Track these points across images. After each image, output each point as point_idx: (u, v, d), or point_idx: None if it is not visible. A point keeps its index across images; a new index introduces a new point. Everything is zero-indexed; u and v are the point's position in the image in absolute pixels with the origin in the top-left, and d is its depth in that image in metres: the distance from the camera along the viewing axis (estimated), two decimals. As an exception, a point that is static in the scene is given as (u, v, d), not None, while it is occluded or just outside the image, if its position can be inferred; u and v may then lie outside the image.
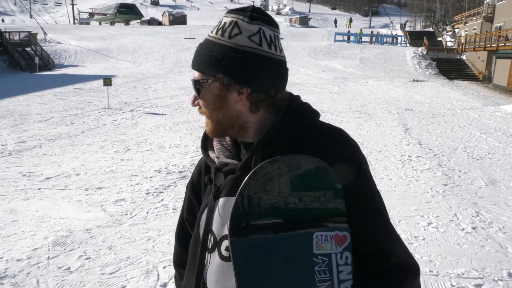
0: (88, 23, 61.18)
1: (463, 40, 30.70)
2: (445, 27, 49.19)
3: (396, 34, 41.64)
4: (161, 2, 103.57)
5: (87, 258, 3.62)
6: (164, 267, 3.45)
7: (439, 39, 38.63)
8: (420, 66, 26.99)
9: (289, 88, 0.99)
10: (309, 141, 0.94)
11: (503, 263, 3.53)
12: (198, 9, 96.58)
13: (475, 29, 31.26)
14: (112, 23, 63.79)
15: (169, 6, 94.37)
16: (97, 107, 12.46)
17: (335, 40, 36.40)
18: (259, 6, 1.11)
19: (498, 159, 7.28)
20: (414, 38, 36.40)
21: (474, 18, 33.20)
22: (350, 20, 60.60)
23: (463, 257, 3.64)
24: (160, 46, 32.18)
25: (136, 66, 26.53)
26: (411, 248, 3.65)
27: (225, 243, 0.93)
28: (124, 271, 3.41)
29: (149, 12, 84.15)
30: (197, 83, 0.96)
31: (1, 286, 3.18)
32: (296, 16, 72.38)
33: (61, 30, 39.01)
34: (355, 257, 0.90)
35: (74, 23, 61.28)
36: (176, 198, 5.11)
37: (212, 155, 1.03)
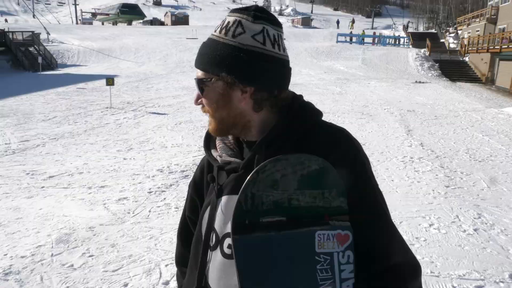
0: (90, 23, 61.30)
1: (466, 42, 30.63)
2: (448, 28, 49.12)
3: (399, 36, 41.60)
4: (163, 3, 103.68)
5: (90, 256, 3.64)
6: (166, 265, 3.47)
7: (441, 40, 38.55)
8: (422, 68, 26.95)
9: (292, 88, 1.00)
10: (312, 140, 0.95)
11: (504, 265, 3.53)
12: (201, 9, 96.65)
13: (478, 30, 31.20)
14: (114, 23, 63.88)
15: (172, 7, 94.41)
16: (100, 107, 12.50)
17: (337, 41, 36.39)
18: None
19: (501, 161, 7.28)
20: (417, 40, 36.34)
21: (477, 19, 33.14)
22: (353, 21, 60.59)
23: (465, 258, 3.65)
24: (163, 46, 32.22)
25: (138, 66, 26.58)
26: (412, 249, 3.65)
27: (228, 241, 0.94)
28: (127, 269, 3.43)
29: (151, 12, 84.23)
30: (200, 82, 0.97)
31: (6, 283, 3.21)
32: (298, 17, 72.36)
33: (64, 30, 39.10)
34: (357, 256, 0.91)
35: (77, 23, 61.41)
36: (178, 197, 5.13)
37: (214, 153, 1.04)
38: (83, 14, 68.91)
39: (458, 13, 57.87)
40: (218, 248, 0.96)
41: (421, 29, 64.87)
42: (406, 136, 9.18)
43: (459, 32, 37.96)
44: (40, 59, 24.77)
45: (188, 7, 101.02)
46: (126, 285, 3.21)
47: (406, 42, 36.64)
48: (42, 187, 5.51)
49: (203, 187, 1.11)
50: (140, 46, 32.17)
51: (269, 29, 0.93)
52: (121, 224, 4.31)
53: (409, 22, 66.09)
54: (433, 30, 50.52)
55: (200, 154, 7.27)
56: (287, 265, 0.87)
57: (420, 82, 21.89)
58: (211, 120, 1.00)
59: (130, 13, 64.66)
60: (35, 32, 29.52)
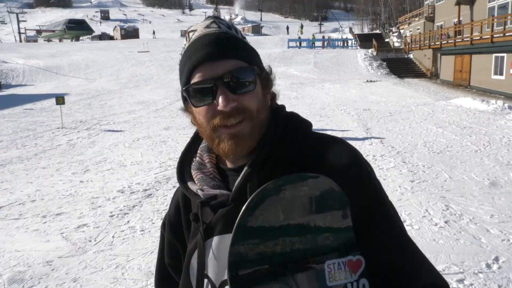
0: (35, 41, 58.62)
1: (409, 40, 32.17)
2: (391, 28, 51.47)
3: (347, 38, 43.05)
4: (111, 17, 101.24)
5: (50, 294, 3.30)
6: (137, 295, 3.20)
7: (386, 40, 40.35)
8: (372, 67, 27.94)
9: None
10: (309, 156, 0.82)
11: (479, 255, 3.58)
12: (150, 22, 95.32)
13: (418, 29, 32.90)
14: (61, 40, 61.66)
15: (120, 20, 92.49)
16: (51, 127, 11.80)
17: (288, 47, 37.01)
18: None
19: (457, 151, 7.55)
20: (363, 41, 37.79)
21: (417, 18, 34.99)
22: (302, 26, 62.06)
23: (441, 252, 3.66)
24: (114, 61, 31.30)
25: (89, 82, 25.59)
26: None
27: None
28: (93, 304, 3.13)
29: (99, 27, 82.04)
30: (249, 72, 0.80)
31: None
32: (248, 25, 73.18)
33: (6, 49, 37.12)
34: (374, 283, 0.77)
35: (21, 41, 58.52)
36: (143, 218, 4.84)
37: (193, 187, 0.86)
38: (27, 31, 65.80)
39: (398, 13, 60.94)
40: None
41: (366, 30, 67.56)
42: (366, 135, 9.35)
43: (402, 31, 39.85)
44: (-21, 82, 23.25)
45: (137, 20, 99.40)
46: (93, 322, 2.92)
47: (354, 44, 37.92)
48: (-10, 221, 5.02)
49: (181, 228, 0.93)
50: (90, 62, 31.06)
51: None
52: (83, 255, 3.97)
53: (352, 24, 68.70)
54: (377, 31, 52.71)
55: (162, 170, 6.98)
56: None
57: (371, 81, 22.64)
58: (248, 127, 0.79)
59: (77, 28, 62.95)
60: (-27, 53, 27.78)
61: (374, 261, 0.78)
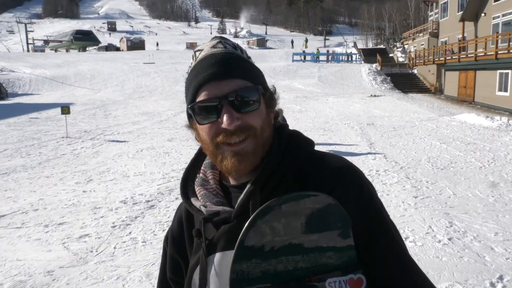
0: (43, 51, 59.38)
1: (413, 55, 32.30)
2: (395, 43, 51.77)
3: (351, 52, 43.29)
4: (118, 28, 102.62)
5: (50, 305, 3.29)
6: (137, 308, 3.19)
7: (390, 55, 40.51)
8: (376, 82, 28.02)
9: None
10: (311, 175, 0.83)
11: (483, 273, 3.54)
12: (156, 34, 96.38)
13: (423, 44, 33.04)
14: (67, 50, 62.44)
15: (127, 32, 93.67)
16: (55, 137, 11.87)
17: (293, 60, 37.24)
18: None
19: (461, 167, 7.52)
20: (368, 55, 37.95)
21: (421, 34, 35.17)
22: (306, 40, 62.54)
23: (445, 270, 3.62)
24: (119, 71, 31.57)
25: (94, 92, 25.79)
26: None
27: None
28: (93, 316, 3.11)
29: (106, 38, 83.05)
30: (254, 91, 0.81)
31: None
32: (253, 38, 73.82)
33: (14, 58, 37.57)
34: None
35: (28, 50, 59.29)
36: (145, 230, 4.83)
37: (196, 203, 0.87)
38: (35, 41, 66.71)
39: (402, 29, 61.37)
40: None
41: (370, 45, 68.00)
42: (369, 149, 9.34)
43: (406, 46, 40.04)
44: (-13, 90, 23.49)
45: (143, 32, 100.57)
46: (93, 334, 2.90)
47: (358, 58, 38.11)
48: (-8, 229, 5.02)
49: (184, 243, 0.93)
50: (96, 72, 31.36)
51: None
52: (84, 265, 3.96)
53: (356, 38, 69.20)
54: (381, 46, 53.04)
55: (165, 181, 6.99)
56: None
57: (375, 95, 22.68)
58: (251, 145, 0.80)
59: (84, 39, 63.76)
60: (-20, 61, 28.14)
61: (375, 280, 0.78)
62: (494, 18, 21.66)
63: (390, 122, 13.84)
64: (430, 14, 34.97)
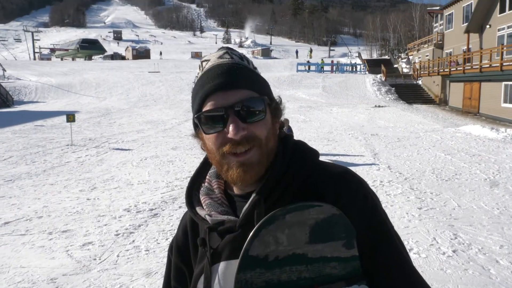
0: (49, 59, 60.00)
1: (418, 66, 32.34)
2: (400, 54, 51.88)
3: (355, 63, 43.41)
4: (124, 37, 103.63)
5: (52, 313, 3.28)
6: (139, 317, 3.18)
7: (395, 66, 40.54)
8: (380, 92, 28.04)
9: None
10: (315, 185, 0.83)
11: (488, 286, 3.51)
12: (162, 43, 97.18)
13: (427, 55, 33.09)
14: (73, 59, 63.05)
15: (132, 41, 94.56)
16: (60, 144, 11.95)
17: (297, 70, 37.39)
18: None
19: (466, 179, 7.48)
20: (372, 66, 38.02)
21: (426, 45, 35.24)
22: (311, 51, 62.78)
23: (449, 282, 3.59)
24: (124, 80, 31.81)
25: (100, 101, 25.98)
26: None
27: None
28: (95, 325, 3.11)
29: (111, 47, 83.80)
30: (259, 102, 0.82)
31: None
32: (258, 48, 74.11)
33: (20, 66, 37.98)
34: None
35: (35, 58, 59.92)
36: (148, 238, 4.83)
37: (201, 212, 0.88)
38: (42, 49, 67.44)
39: (407, 39, 61.49)
40: None
41: (374, 56, 68.13)
42: (373, 160, 9.32)
43: (410, 57, 40.10)
44: (-6, 97, 23.73)
45: (149, 41, 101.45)
46: None
47: (363, 69, 38.20)
48: (-4, 236, 5.04)
49: (188, 252, 0.94)
50: (101, 80, 31.61)
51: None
52: (87, 273, 3.96)
53: (361, 49, 69.39)
54: (386, 57, 53.13)
55: (169, 190, 7.00)
56: None
57: (379, 106, 22.68)
58: (256, 155, 0.81)
59: (90, 48, 64.39)
60: (-12, 69, 28.49)
61: None
62: (499, 30, 21.70)
63: (394, 132, 13.81)
64: (435, 25, 35.09)
